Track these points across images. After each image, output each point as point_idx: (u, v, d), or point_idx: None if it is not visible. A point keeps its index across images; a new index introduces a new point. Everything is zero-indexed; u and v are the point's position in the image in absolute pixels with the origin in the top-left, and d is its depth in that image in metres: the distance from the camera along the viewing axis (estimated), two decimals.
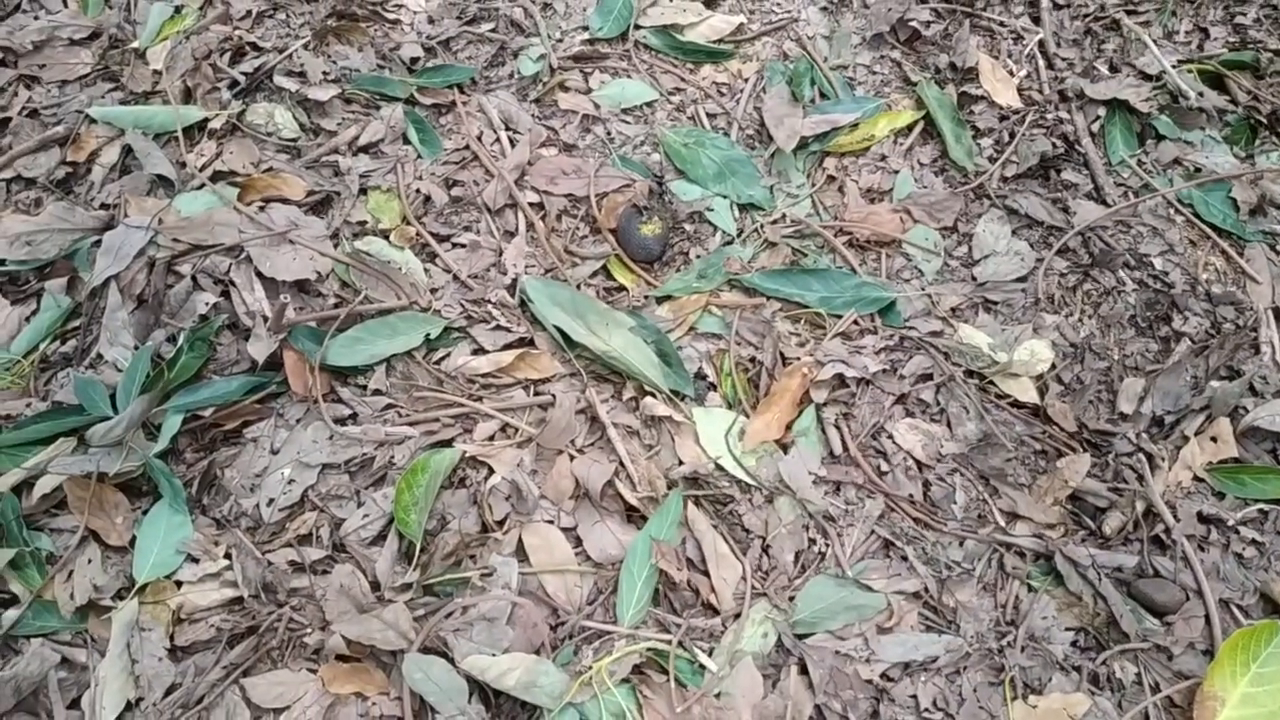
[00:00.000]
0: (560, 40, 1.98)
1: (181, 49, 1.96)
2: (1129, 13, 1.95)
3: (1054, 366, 1.59)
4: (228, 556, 1.45)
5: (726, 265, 1.69)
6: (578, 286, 1.68)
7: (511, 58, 1.97)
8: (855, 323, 1.64)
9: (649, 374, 1.56)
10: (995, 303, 1.66)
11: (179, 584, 1.43)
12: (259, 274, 1.68)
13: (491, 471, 1.50)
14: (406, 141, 1.87)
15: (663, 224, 1.72)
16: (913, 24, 1.92)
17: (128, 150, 1.85)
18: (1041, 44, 1.93)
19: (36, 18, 2.09)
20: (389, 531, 1.45)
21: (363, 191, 1.80)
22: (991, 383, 1.58)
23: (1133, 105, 1.81)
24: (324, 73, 1.91)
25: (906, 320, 1.64)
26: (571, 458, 1.50)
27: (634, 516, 1.47)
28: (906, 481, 1.49)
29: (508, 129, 1.87)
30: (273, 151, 1.84)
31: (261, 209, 1.75)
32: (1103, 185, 1.75)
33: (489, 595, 1.37)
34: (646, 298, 1.68)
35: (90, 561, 1.44)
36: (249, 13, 2.04)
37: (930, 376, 1.59)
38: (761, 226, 1.75)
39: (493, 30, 1.99)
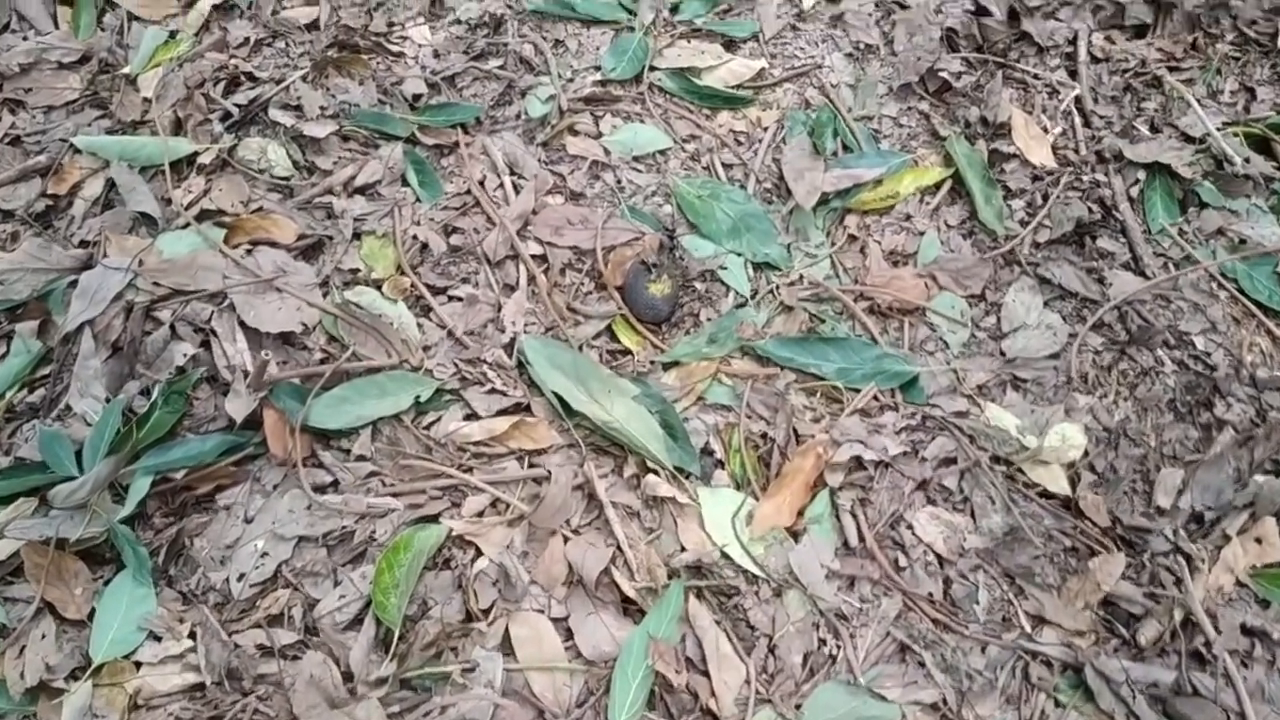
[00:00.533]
0: (571, 80, 1.88)
1: (174, 77, 1.87)
2: (1171, 69, 1.84)
3: (1087, 453, 1.48)
4: (192, 636, 1.35)
5: (739, 331, 1.58)
6: (580, 348, 1.58)
7: (519, 97, 1.86)
8: (875, 398, 1.53)
9: (652, 448, 1.46)
10: (1025, 381, 1.56)
11: (138, 665, 1.33)
12: (242, 324, 1.58)
13: (479, 553, 1.40)
14: (405, 183, 1.77)
15: (672, 283, 1.61)
16: (943, 74, 1.82)
17: (112, 183, 1.75)
18: (1078, 100, 1.82)
19: (25, 38, 2.00)
20: (366, 615, 1.35)
21: (356, 236, 1.70)
22: (1019, 470, 1.47)
23: (1174, 170, 1.70)
24: (321, 107, 1.81)
25: (930, 397, 1.54)
26: (566, 539, 1.40)
27: (631, 609, 1.36)
28: (926, 578, 1.38)
29: (512, 173, 1.77)
30: (264, 190, 1.75)
31: (249, 252, 1.66)
32: (1141, 255, 1.64)
33: (470, 694, 1.27)
34: (653, 363, 1.58)
35: (44, 637, 1.34)
36: (246, 40, 1.94)
37: (954, 461, 1.48)
38: (777, 288, 1.65)
39: (501, 67, 1.89)
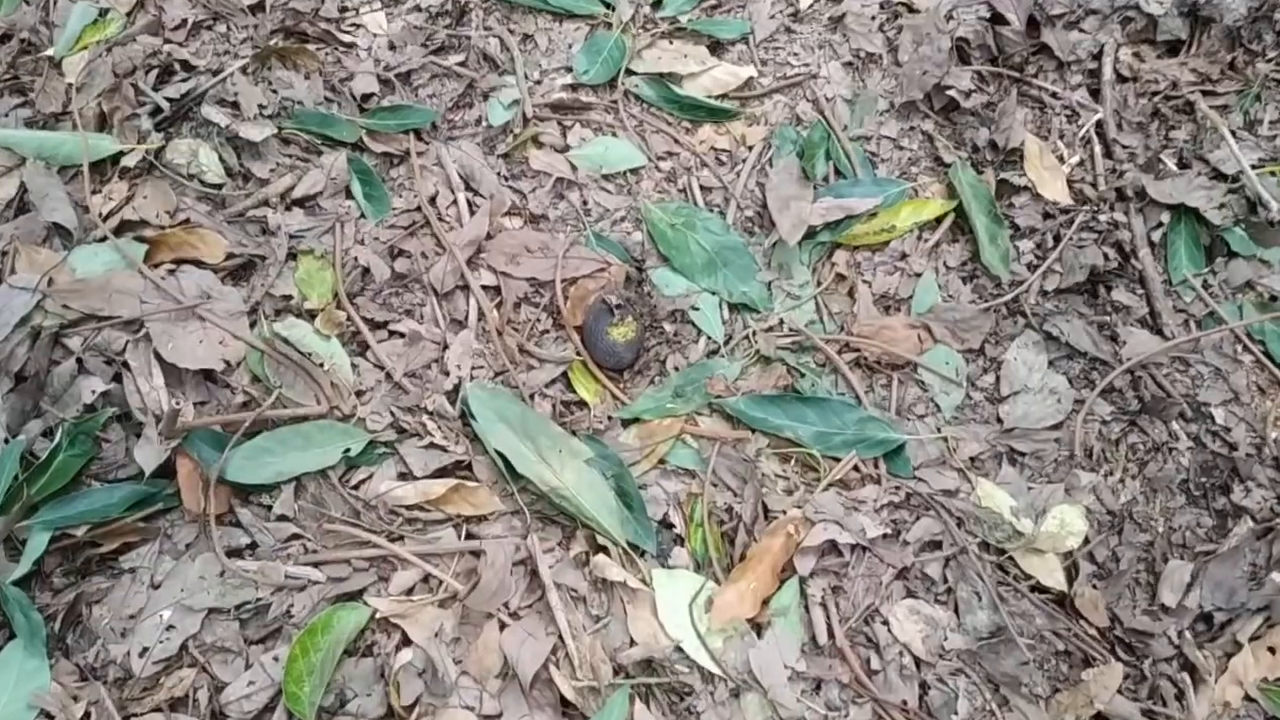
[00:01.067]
0: (539, 82, 1.70)
1: (101, 62, 1.69)
2: (1205, 93, 1.65)
3: (1087, 540, 1.33)
4: (86, 717, 1.22)
5: (709, 385, 1.42)
6: (531, 396, 1.42)
7: (480, 99, 1.68)
8: (855, 468, 1.38)
9: (604, 522, 1.31)
10: (1023, 454, 1.40)
11: None
12: (159, 357, 1.42)
13: (405, 639, 1.26)
14: (349, 196, 1.60)
15: (637, 326, 1.45)
16: (951, 92, 1.63)
17: (26, 186, 1.58)
18: (1100, 126, 1.64)
19: None
20: (277, 705, 1.21)
21: (292, 256, 1.54)
22: (1011, 559, 1.32)
23: (1202, 213, 1.53)
24: (260, 106, 1.63)
25: (916, 469, 1.39)
26: (503, 625, 1.26)
27: (570, 712, 1.22)
28: (901, 683, 1.24)
29: (468, 188, 1.60)
30: (192, 199, 1.57)
31: (171, 272, 1.49)
32: (1160, 311, 1.48)
33: None
34: (611, 418, 1.42)
35: None
36: (184, 22, 1.76)
37: (939, 546, 1.33)
38: (754, 334, 1.48)
39: (462, 64, 1.71)
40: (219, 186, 1.59)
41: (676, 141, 1.64)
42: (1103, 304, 1.51)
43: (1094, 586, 1.31)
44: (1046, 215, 1.57)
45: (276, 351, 1.42)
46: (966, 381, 1.46)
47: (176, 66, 1.70)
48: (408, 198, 1.59)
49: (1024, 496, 1.36)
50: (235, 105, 1.64)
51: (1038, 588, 1.31)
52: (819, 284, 1.54)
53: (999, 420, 1.43)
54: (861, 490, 1.37)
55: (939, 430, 1.42)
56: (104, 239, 1.50)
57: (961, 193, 1.57)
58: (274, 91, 1.67)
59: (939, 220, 1.58)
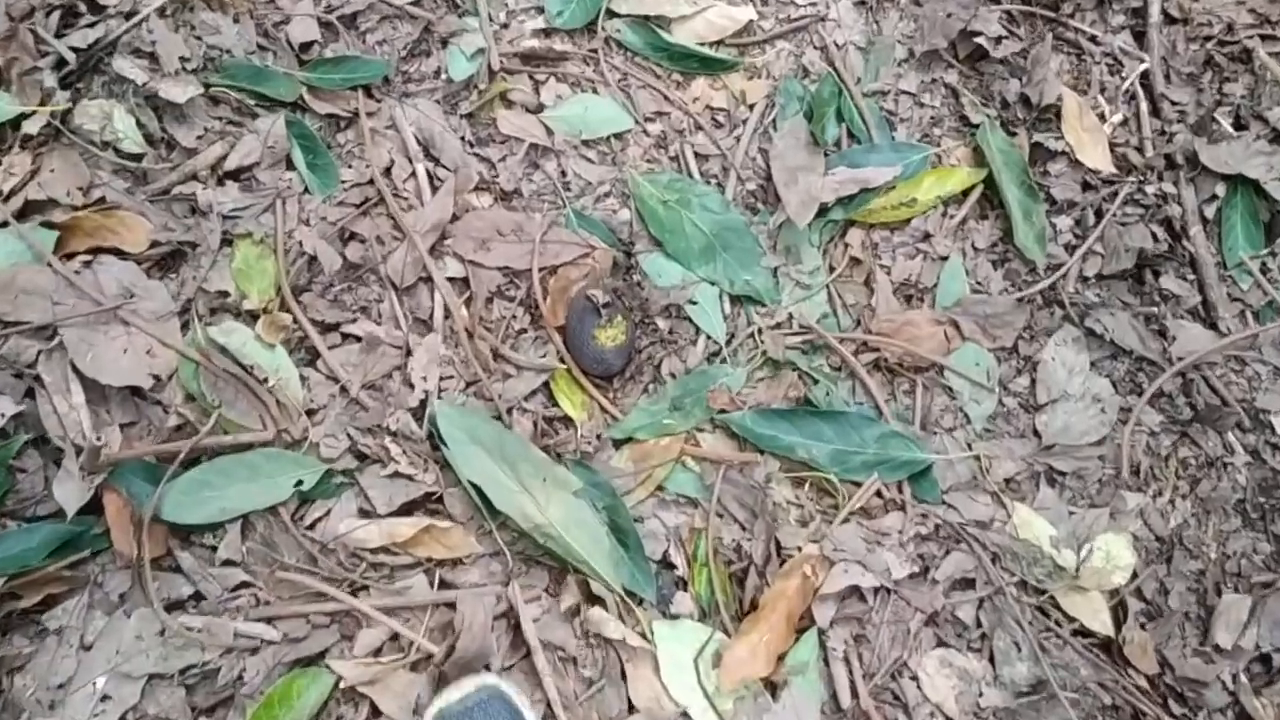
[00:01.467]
0: (505, 25, 1.47)
1: None
2: (1264, 38, 1.45)
3: (1135, 575, 1.19)
4: None
5: (711, 398, 1.25)
6: (508, 411, 1.25)
7: (439, 46, 1.45)
8: (878, 493, 1.23)
9: (597, 565, 1.16)
10: (1063, 474, 1.25)
11: None
12: (77, 370, 1.22)
13: (375, 711, 1.10)
14: (290, 167, 1.38)
15: (627, 327, 1.27)
16: (979, 39, 1.42)
17: None
18: (1146, 78, 1.45)
19: None
20: None
21: (227, 242, 1.33)
22: (1052, 599, 1.18)
23: (1261, 185, 1.35)
24: (183, 59, 1.39)
25: (945, 492, 1.23)
26: None
27: None
28: None
29: (428, 156, 1.39)
30: (108, 173, 1.35)
31: (87, 264, 1.28)
32: (1214, 301, 1.32)
33: None
34: (600, 437, 1.25)
35: None
36: None
37: (971, 584, 1.19)
38: (759, 332, 1.31)
39: (415, 2, 1.47)
40: (138, 157, 1.36)
41: (666, 99, 1.43)
42: (1149, 291, 1.34)
43: (1142, 627, 1.18)
44: (1086, 186, 1.39)
45: (213, 364, 1.23)
46: (999, 385, 1.30)
47: (82, 6, 1.45)
48: (359, 168, 1.38)
49: (1064, 523, 1.22)
50: (153, 57, 1.40)
51: (1081, 631, 1.18)
52: (831, 269, 1.36)
53: (1035, 433, 1.27)
54: (884, 519, 1.22)
55: (970, 447, 1.26)
56: (4, 224, 1.29)
57: (991, 159, 1.38)
58: (198, 38, 1.43)
59: (966, 193, 1.39)
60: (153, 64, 1.40)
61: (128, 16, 1.42)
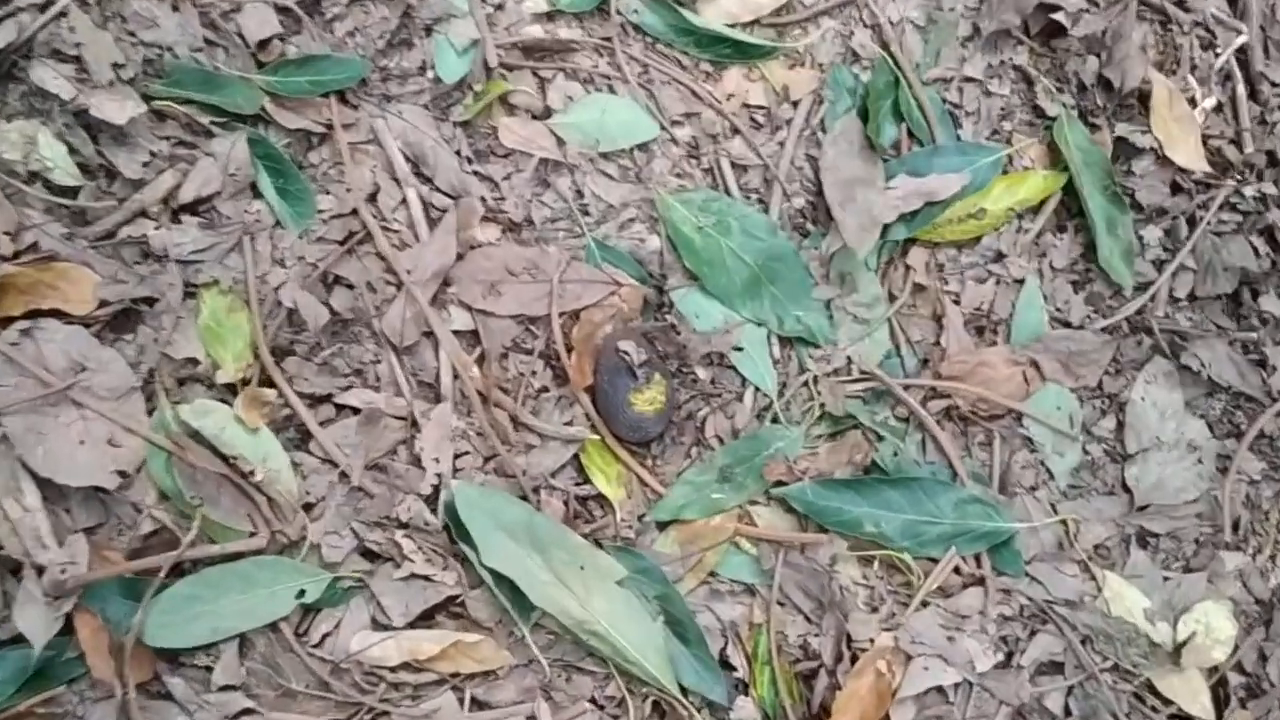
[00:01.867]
0: (500, 7, 1.24)
1: None
2: None
3: (1236, 648, 1.09)
4: None
5: (767, 470, 1.10)
6: (535, 490, 1.09)
7: (423, 35, 1.22)
8: (955, 569, 1.10)
9: (653, 665, 1.03)
10: (1156, 535, 1.13)
11: None
12: (27, 468, 1.04)
13: None
14: (258, 195, 1.17)
15: (666, 387, 1.11)
16: (1057, 15, 1.22)
17: None
18: (1243, 53, 1.26)
19: None
20: None
21: (190, 294, 1.13)
22: (1148, 681, 1.07)
23: None
24: (115, 65, 1.16)
25: (1028, 562, 1.11)
26: None
27: None
28: None
29: (420, 176, 1.19)
30: (40, 213, 1.13)
31: (25, 333, 1.08)
32: None
33: None
34: (642, 519, 1.10)
35: None
36: None
37: (1060, 668, 1.08)
38: (814, 380, 1.15)
39: None
40: (74, 192, 1.14)
41: (696, 95, 1.22)
42: (1247, 314, 1.19)
43: (1243, 704, 1.07)
44: (1176, 188, 1.22)
45: (189, 456, 1.05)
46: (1082, 429, 1.15)
47: None
48: (338, 193, 1.17)
49: (1158, 591, 1.10)
50: (79, 62, 1.16)
51: (1180, 716, 1.08)
52: (891, 298, 1.19)
53: (1125, 487, 1.14)
54: (963, 598, 1.09)
55: (1054, 509, 1.13)
56: None
57: (1070, 159, 1.20)
58: (130, 34, 1.18)
59: (1042, 202, 1.21)
60: (80, 71, 1.16)
61: (42, 8, 1.17)
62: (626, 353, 1.10)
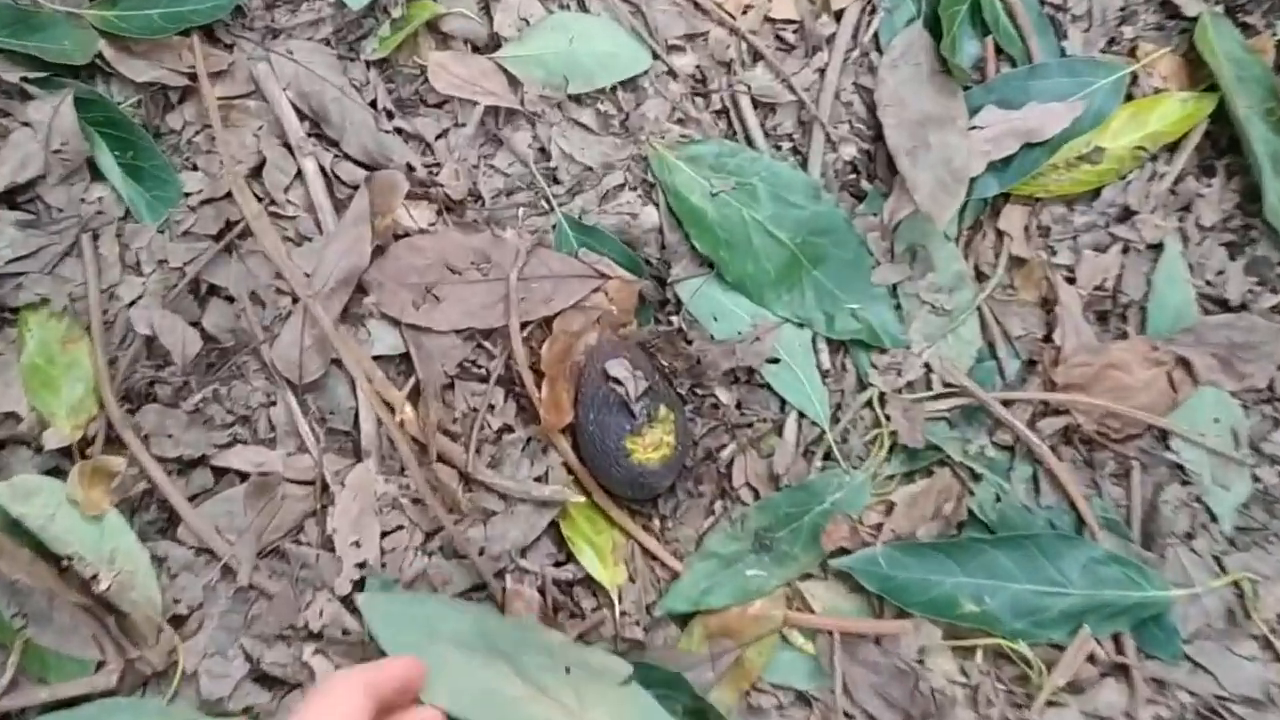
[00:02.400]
0: None
1: None
2: None
3: None
4: None
5: (825, 537, 0.78)
6: (498, 576, 0.77)
7: None
8: (1090, 658, 0.78)
9: None
10: None
11: None
12: None
13: None
14: (99, 177, 0.84)
15: (674, 422, 0.79)
16: None
17: None
18: None
19: None
20: None
21: (7, 320, 0.81)
22: None
23: None
24: None
25: (1187, 641, 0.79)
26: None
27: None
28: None
29: (321, 138, 0.86)
30: None
31: None
32: None
33: None
34: (650, 609, 0.79)
35: None
36: None
37: None
38: (880, 399, 0.83)
39: None
40: None
41: (699, 9, 0.88)
42: None
43: None
44: None
45: (3, 558, 0.73)
46: (1249, 448, 0.84)
47: None
48: (209, 169, 0.85)
49: None
50: None
51: None
52: (980, 278, 0.86)
53: None
54: (1101, 694, 0.79)
55: (1219, 563, 0.81)
56: None
57: (1219, 74, 0.87)
58: None
59: (1183, 138, 0.88)
60: None
61: None
62: (618, 380, 0.77)
